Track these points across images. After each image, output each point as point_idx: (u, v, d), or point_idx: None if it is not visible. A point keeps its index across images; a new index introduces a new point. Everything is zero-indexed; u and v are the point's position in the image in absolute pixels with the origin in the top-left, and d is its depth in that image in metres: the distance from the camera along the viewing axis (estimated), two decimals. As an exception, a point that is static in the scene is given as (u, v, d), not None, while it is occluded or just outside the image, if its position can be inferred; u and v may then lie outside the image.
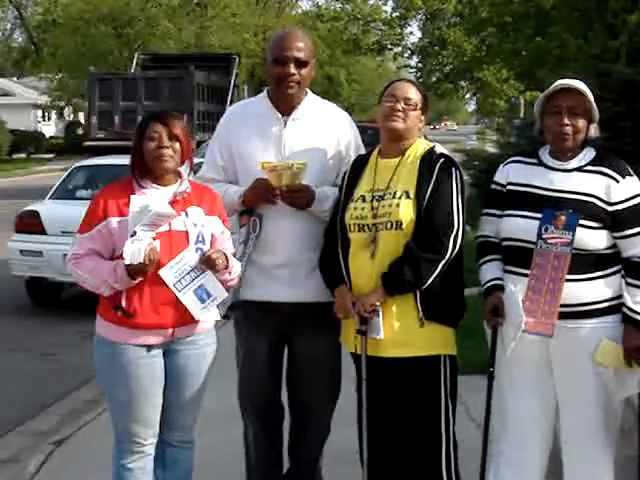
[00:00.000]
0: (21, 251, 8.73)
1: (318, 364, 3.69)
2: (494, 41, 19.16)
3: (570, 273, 3.23)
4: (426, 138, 3.62)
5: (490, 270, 3.44)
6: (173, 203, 3.32)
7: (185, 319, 3.32)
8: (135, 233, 3.17)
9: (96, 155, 12.65)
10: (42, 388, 6.38)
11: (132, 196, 3.24)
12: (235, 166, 3.68)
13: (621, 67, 8.71)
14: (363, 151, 3.72)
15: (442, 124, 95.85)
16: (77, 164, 10.39)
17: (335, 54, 42.01)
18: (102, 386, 3.53)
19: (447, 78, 34.20)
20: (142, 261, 3.13)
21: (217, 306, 3.43)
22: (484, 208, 3.55)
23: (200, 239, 3.33)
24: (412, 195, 3.33)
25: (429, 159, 3.39)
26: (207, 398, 3.57)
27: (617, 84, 7.62)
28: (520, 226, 3.33)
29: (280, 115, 3.63)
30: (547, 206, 3.27)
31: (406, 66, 37.99)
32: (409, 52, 35.39)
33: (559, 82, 3.33)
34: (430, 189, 3.33)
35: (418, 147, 3.46)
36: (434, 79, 34.54)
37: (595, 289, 3.25)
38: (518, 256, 3.34)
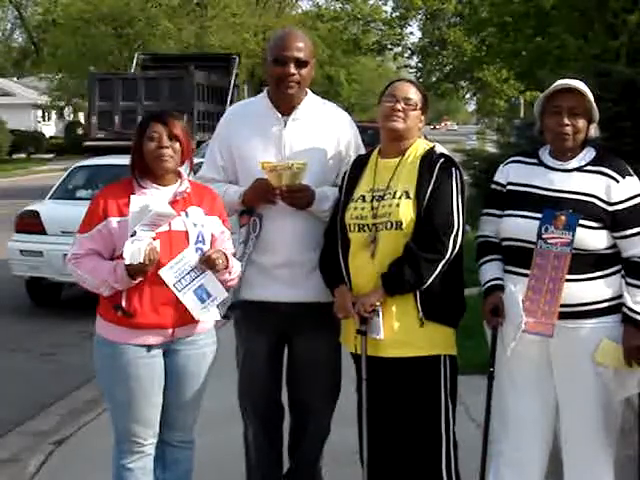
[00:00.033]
0: (21, 251, 8.73)
1: (318, 364, 3.69)
2: (494, 41, 19.16)
3: (570, 273, 3.23)
4: (426, 138, 3.62)
5: (490, 270, 3.44)
6: (173, 203, 3.32)
7: (185, 319, 3.32)
8: (135, 233, 3.17)
9: (96, 155, 12.67)
10: (42, 388, 6.38)
11: (132, 196, 3.24)
12: (235, 166, 3.68)
13: (621, 67, 8.70)
14: (363, 151, 3.72)
15: (442, 124, 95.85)
16: (77, 164, 10.40)
17: (335, 54, 42.02)
18: (102, 386, 3.53)
19: (447, 78, 34.19)
20: (142, 261, 3.13)
21: (217, 306, 3.43)
22: (484, 208, 3.55)
23: (200, 239, 3.33)
24: (412, 195, 3.33)
25: (429, 159, 3.39)
26: (207, 398, 3.57)
27: (617, 84, 7.61)
28: (520, 226, 3.33)
29: (280, 115, 3.63)
30: (547, 206, 3.27)
31: (406, 66, 37.98)
32: (409, 52, 35.38)
33: (559, 82, 3.33)
34: (430, 189, 3.33)
35: (418, 147, 3.46)
36: (434, 79, 34.53)
37: (595, 289, 3.25)
38: (518, 256, 3.34)
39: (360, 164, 3.55)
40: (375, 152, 3.55)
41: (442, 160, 3.39)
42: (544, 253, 3.25)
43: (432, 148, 3.45)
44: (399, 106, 3.40)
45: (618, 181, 3.26)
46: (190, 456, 3.59)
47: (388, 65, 49.93)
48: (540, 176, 3.36)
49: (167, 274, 3.25)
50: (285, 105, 3.62)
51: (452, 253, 3.31)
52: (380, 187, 3.42)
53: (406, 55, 35.77)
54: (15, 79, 52.08)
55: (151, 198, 3.28)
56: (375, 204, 3.39)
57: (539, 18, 15.28)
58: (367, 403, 3.45)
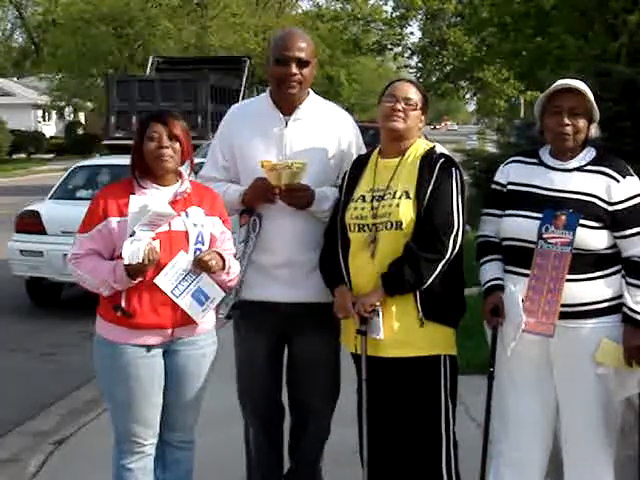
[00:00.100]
0: (21, 251, 8.73)
1: (318, 364, 3.69)
2: (494, 41, 19.13)
3: (570, 273, 3.23)
4: (426, 138, 3.62)
5: (490, 270, 3.44)
6: (173, 203, 3.32)
7: (185, 319, 3.32)
8: (134, 233, 3.17)
9: (113, 153, 12.95)
10: (42, 388, 6.38)
11: (131, 196, 3.24)
12: (237, 166, 3.68)
13: (621, 67, 8.69)
14: (364, 152, 3.71)
15: (442, 124, 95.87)
16: (77, 164, 10.40)
17: (335, 54, 42.00)
18: (102, 386, 3.52)
19: (447, 78, 34.13)
20: (141, 261, 3.13)
21: (220, 306, 3.43)
22: (484, 208, 3.55)
23: (200, 239, 3.33)
24: (412, 195, 3.33)
25: (429, 159, 3.39)
26: (207, 398, 3.57)
27: (617, 84, 7.61)
28: (521, 226, 3.33)
29: (282, 115, 3.62)
30: (547, 206, 3.27)
31: (406, 66, 37.91)
32: (409, 52, 35.29)
33: (559, 82, 3.33)
34: (430, 189, 3.33)
35: (418, 147, 3.46)
36: (434, 79, 34.47)
37: (595, 289, 3.25)
38: (518, 256, 3.34)
39: (360, 164, 3.55)
40: (375, 152, 3.55)
41: (442, 160, 3.39)
42: (544, 253, 3.25)
43: (432, 148, 3.45)
44: (399, 106, 3.40)
45: (618, 181, 3.26)
46: (190, 456, 3.59)
47: (388, 65, 49.87)
48: (540, 176, 3.36)
49: (162, 281, 3.24)
50: (287, 105, 3.62)
51: (452, 253, 3.31)
52: (380, 187, 3.42)
53: (406, 55, 35.69)
54: (15, 79, 52.06)
55: (150, 198, 3.28)
56: (375, 204, 3.39)
57: (539, 18, 15.26)
58: (367, 403, 3.45)
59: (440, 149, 3.46)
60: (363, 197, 3.44)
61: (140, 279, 3.21)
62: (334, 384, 3.78)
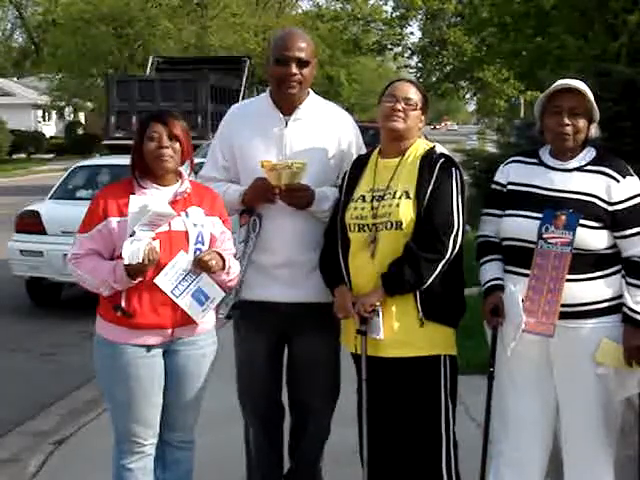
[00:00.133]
0: (21, 251, 8.73)
1: (318, 364, 3.69)
2: (494, 41, 19.13)
3: (570, 273, 3.23)
4: (427, 138, 3.62)
5: (490, 270, 3.44)
6: (173, 203, 3.32)
7: (184, 319, 3.32)
8: (134, 233, 3.17)
9: (113, 153, 12.99)
10: (42, 388, 6.38)
11: (131, 196, 3.24)
12: (237, 166, 3.68)
13: (621, 67, 8.69)
14: (364, 152, 3.71)
15: (442, 124, 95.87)
16: (77, 164, 10.40)
17: (335, 54, 42.01)
18: (102, 386, 3.52)
19: (447, 78, 34.12)
20: (141, 261, 3.13)
21: (220, 306, 3.43)
22: (484, 208, 3.55)
23: (200, 239, 3.33)
24: (412, 195, 3.33)
25: (429, 159, 3.39)
26: (207, 398, 3.57)
27: (617, 84, 7.61)
28: (521, 226, 3.32)
29: (282, 115, 3.62)
30: (547, 206, 3.27)
31: (406, 66, 37.89)
32: (409, 52, 35.29)
33: (559, 82, 3.33)
34: (430, 189, 3.33)
35: (418, 147, 3.46)
36: (434, 79, 34.46)
37: (595, 289, 3.25)
38: (518, 256, 3.34)
39: (360, 164, 3.55)
40: (375, 152, 3.55)
41: (442, 160, 3.39)
42: (544, 253, 3.25)
43: (432, 148, 3.45)
44: (399, 106, 3.40)
45: (618, 181, 3.26)
46: (190, 456, 3.59)
47: (388, 65, 49.87)
48: (540, 176, 3.36)
49: (162, 281, 3.24)
50: (287, 105, 3.62)
51: (452, 253, 3.31)
52: (380, 187, 3.42)
53: (406, 55, 35.68)
54: (15, 79, 52.07)
55: (150, 198, 3.28)
56: (375, 204, 3.39)
57: (539, 18, 15.26)
58: (367, 403, 3.45)
59: (440, 149, 3.46)
60: (363, 197, 3.44)
61: (140, 279, 3.21)
62: (334, 384, 3.78)
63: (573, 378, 3.29)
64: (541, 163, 3.41)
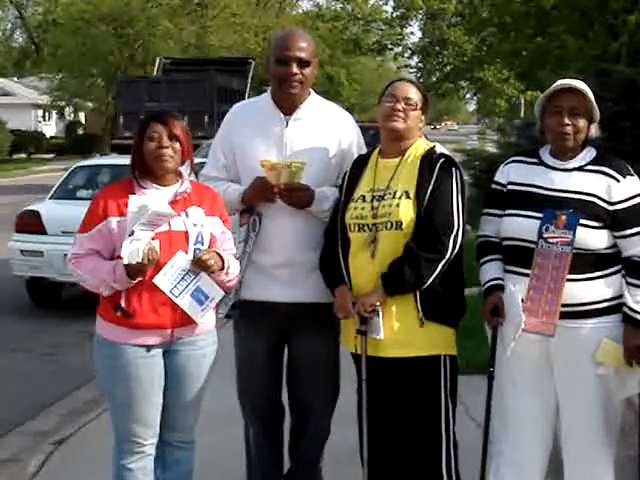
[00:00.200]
0: (21, 251, 8.73)
1: (318, 364, 3.68)
2: (494, 41, 19.13)
3: (570, 273, 3.23)
4: (427, 138, 3.61)
5: (490, 270, 3.44)
6: (173, 203, 3.32)
7: (184, 319, 3.31)
8: (133, 233, 3.17)
9: (122, 153, 13.18)
10: (42, 388, 6.38)
11: (130, 196, 3.24)
12: (237, 165, 3.68)
13: (621, 67, 8.69)
14: (365, 152, 3.71)
15: (443, 124, 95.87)
16: (77, 164, 10.41)
17: (335, 54, 42.03)
18: (102, 386, 3.52)
19: (447, 78, 34.11)
20: (140, 261, 3.13)
21: (219, 305, 3.43)
22: (484, 208, 3.54)
23: (199, 239, 3.33)
24: (412, 195, 3.33)
25: (429, 159, 3.39)
26: (208, 398, 3.57)
27: (617, 84, 7.61)
28: (521, 226, 3.32)
29: (282, 115, 3.62)
30: (548, 206, 3.27)
31: (406, 66, 37.88)
32: (409, 52, 35.29)
33: (560, 82, 3.33)
34: (430, 189, 3.33)
35: (418, 147, 3.46)
36: (434, 79, 34.45)
37: (595, 289, 3.25)
38: (519, 256, 3.34)
39: (360, 164, 3.55)
40: (375, 152, 3.55)
41: (442, 160, 3.39)
42: (545, 253, 3.25)
43: (432, 148, 3.45)
44: (399, 106, 3.40)
45: (619, 181, 3.26)
46: (190, 456, 3.59)
47: (388, 65, 49.86)
48: (541, 176, 3.36)
49: (161, 281, 3.24)
50: (287, 105, 3.62)
51: (452, 253, 3.31)
52: (380, 187, 3.42)
53: (406, 55, 35.68)
54: (15, 79, 52.06)
55: (150, 198, 3.28)
56: (375, 204, 3.38)
57: (539, 18, 15.26)
58: (367, 403, 3.45)
59: (440, 149, 3.46)
60: (363, 197, 3.44)
61: (140, 279, 3.21)
62: (334, 384, 3.78)
63: (573, 378, 3.29)
64: (541, 163, 3.41)
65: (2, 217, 13.47)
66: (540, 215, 3.27)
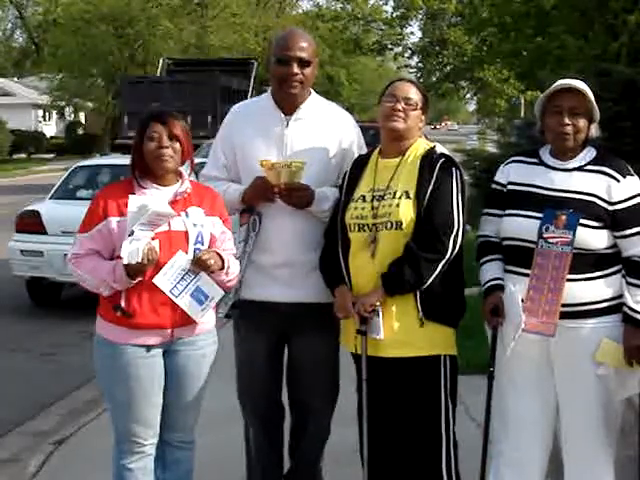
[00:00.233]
0: (22, 251, 8.73)
1: (318, 364, 3.68)
2: (494, 41, 19.14)
3: (570, 273, 3.23)
4: (427, 138, 3.61)
5: (490, 270, 3.44)
6: (173, 203, 3.32)
7: (184, 319, 3.31)
8: (133, 233, 3.17)
9: (125, 153, 13.35)
10: (42, 388, 6.38)
11: (130, 196, 3.24)
12: (237, 165, 3.69)
13: (621, 67, 8.69)
14: (365, 152, 3.71)
15: (443, 124, 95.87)
16: (77, 164, 10.40)
17: (335, 54, 42.02)
18: (102, 386, 3.52)
19: (447, 78, 34.12)
20: (140, 261, 3.13)
21: (219, 305, 3.42)
22: (484, 208, 3.54)
23: (199, 239, 3.33)
24: (412, 195, 3.33)
25: (429, 159, 3.39)
26: (208, 398, 3.56)
27: (617, 84, 7.61)
28: (521, 226, 3.32)
29: (283, 115, 3.62)
30: (548, 206, 3.27)
31: (406, 66, 37.89)
32: (409, 52, 35.31)
33: (560, 82, 3.33)
34: (430, 189, 3.33)
35: (418, 147, 3.46)
36: (434, 79, 34.47)
37: (595, 289, 3.25)
38: (519, 256, 3.34)
39: (360, 164, 3.55)
40: (375, 152, 3.55)
41: (442, 160, 3.39)
42: (545, 253, 3.25)
43: (432, 148, 3.45)
44: (399, 106, 3.40)
45: (619, 181, 3.26)
46: (190, 456, 3.58)
47: (388, 65, 49.88)
48: (541, 176, 3.36)
49: (161, 281, 3.24)
50: (288, 105, 3.62)
51: (452, 253, 3.31)
52: (380, 187, 3.42)
53: (406, 55, 35.69)
54: (15, 79, 52.07)
55: (150, 198, 3.28)
56: (375, 204, 3.38)
57: (539, 18, 15.26)
58: (367, 403, 3.45)
59: (440, 149, 3.46)
60: (363, 197, 3.44)
61: (139, 279, 3.21)
62: (334, 384, 3.78)
63: (573, 378, 3.29)
64: (541, 163, 3.41)
65: (2, 217, 13.47)
66: (540, 215, 3.27)
